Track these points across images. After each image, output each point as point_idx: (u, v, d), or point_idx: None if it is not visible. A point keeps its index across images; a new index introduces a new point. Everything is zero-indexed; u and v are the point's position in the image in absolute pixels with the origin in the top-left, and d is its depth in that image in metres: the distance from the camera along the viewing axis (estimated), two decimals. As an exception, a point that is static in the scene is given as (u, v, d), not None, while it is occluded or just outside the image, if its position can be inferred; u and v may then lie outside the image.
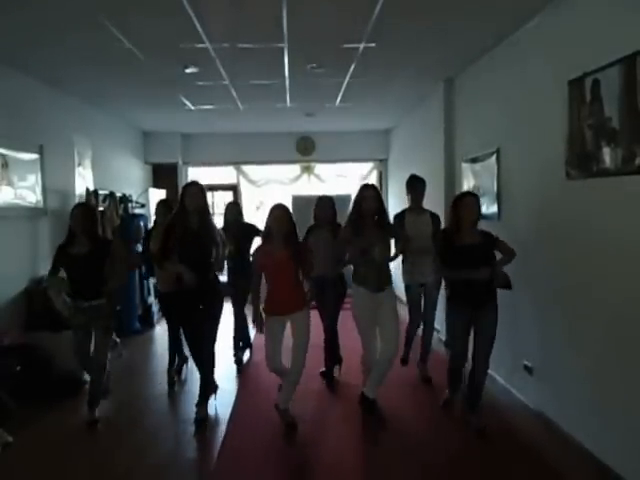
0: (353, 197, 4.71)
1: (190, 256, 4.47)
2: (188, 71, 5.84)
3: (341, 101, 7.78)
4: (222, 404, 5.06)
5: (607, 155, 3.52)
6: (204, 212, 4.62)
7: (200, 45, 4.98)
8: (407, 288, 5.60)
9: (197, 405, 4.75)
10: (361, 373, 5.18)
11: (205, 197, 4.65)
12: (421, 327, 5.67)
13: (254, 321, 4.55)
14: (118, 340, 6.81)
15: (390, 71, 6.25)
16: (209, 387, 4.87)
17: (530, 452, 3.96)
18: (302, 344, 4.43)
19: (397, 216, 5.51)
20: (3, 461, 4.00)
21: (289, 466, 3.96)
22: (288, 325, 4.47)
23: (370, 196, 4.56)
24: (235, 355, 6.44)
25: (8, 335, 5.09)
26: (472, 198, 4.41)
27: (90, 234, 4.57)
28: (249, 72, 6.14)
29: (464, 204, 4.34)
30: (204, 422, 4.65)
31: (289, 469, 3.92)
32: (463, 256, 4.28)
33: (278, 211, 4.42)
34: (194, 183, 4.71)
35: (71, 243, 4.54)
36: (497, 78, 5.40)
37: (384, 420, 4.56)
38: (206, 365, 4.81)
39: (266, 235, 4.46)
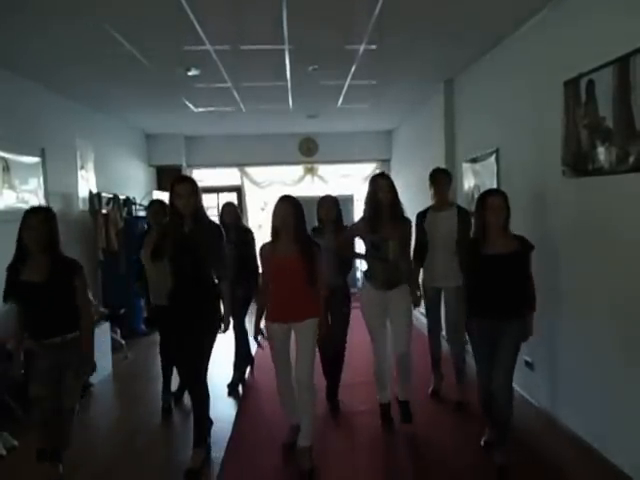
0: (365, 190, 4.43)
1: (184, 267, 3.81)
2: (190, 74, 5.86)
3: (343, 102, 7.79)
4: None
5: (602, 154, 3.55)
6: (199, 213, 3.89)
7: (202, 47, 5.00)
8: (422, 289, 4.94)
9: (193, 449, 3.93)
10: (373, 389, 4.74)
11: (199, 195, 3.91)
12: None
13: (256, 334, 4.03)
14: (123, 342, 6.86)
15: (391, 72, 6.27)
16: (203, 426, 4.01)
17: (530, 447, 3.96)
18: (308, 357, 3.84)
19: (419, 214, 5.01)
20: (8, 464, 4.04)
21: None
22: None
23: (385, 185, 4.31)
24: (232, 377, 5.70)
25: (11, 339, 5.10)
26: (499, 197, 3.67)
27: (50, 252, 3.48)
28: (251, 74, 6.17)
29: (489, 205, 3.63)
30: (197, 475, 3.76)
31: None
32: (487, 269, 3.67)
33: (283, 205, 3.82)
34: (184, 179, 4.00)
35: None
36: (496, 79, 5.42)
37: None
38: (199, 396, 3.97)
39: (273, 234, 3.86)
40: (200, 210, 3.90)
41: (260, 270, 4.16)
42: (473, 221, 4.17)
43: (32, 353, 3.57)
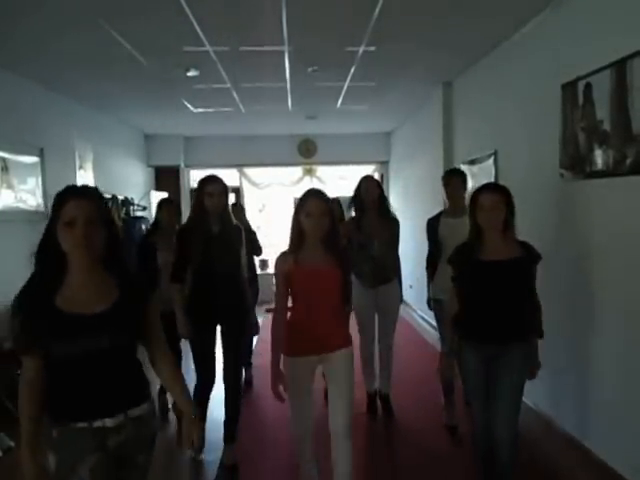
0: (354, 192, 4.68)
1: (213, 268, 3.71)
2: (190, 74, 5.87)
3: (342, 104, 7.81)
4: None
5: (599, 157, 3.56)
6: (226, 213, 3.85)
7: (201, 48, 5.01)
8: (436, 303, 4.53)
9: (224, 446, 3.99)
10: (363, 382, 4.84)
11: (228, 196, 3.86)
12: None
13: (276, 381, 3.01)
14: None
15: (390, 74, 6.28)
16: (237, 422, 3.98)
17: (525, 449, 3.95)
18: (347, 399, 3.07)
19: (430, 220, 4.64)
20: (4, 465, 4.05)
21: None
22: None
23: (371, 185, 4.57)
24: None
25: (8, 340, 5.09)
26: (492, 195, 3.04)
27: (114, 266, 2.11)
28: (250, 75, 6.17)
29: (479, 205, 3.06)
30: (236, 467, 3.87)
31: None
32: (481, 278, 3.08)
33: (315, 202, 2.94)
34: (215, 179, 3.82)
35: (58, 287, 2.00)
36: (494, 81, 5.44)
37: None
38: (236, 393, 3.97)
39: (296, 238, 3.00)
40: (227, 210, 3.89)
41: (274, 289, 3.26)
42: None
43: (59, 446, 2.03)
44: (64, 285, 1.99)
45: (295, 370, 3.00)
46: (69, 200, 1.96)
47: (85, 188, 2.07)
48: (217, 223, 3.79)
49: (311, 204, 2.92)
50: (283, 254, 3.03)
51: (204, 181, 3.82)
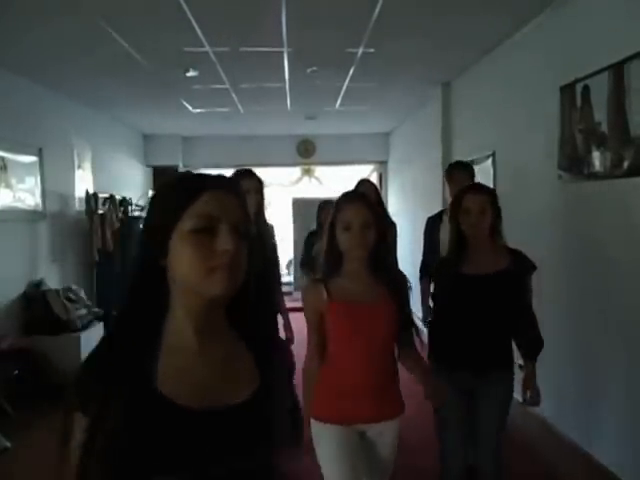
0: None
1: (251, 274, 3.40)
2: (189, 74, 5.87)
3: (341, 104, 7.81)
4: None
5: (597, 159, 3.56)
6: (262, 213, 3.44)
7: (200, 49, 5.01)
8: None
9: None
10: None
11: (264, 194, 3.44)
12: None
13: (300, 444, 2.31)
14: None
15: (389, 75, 6.29)
16: None
17: (523, 450, 3.96)
18: None
19: (430, 220, 4.36)
20: (1, 466, 4.02)
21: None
22: None
23: (369, 188, 4.46)
24: None
25: (6, 339, 5.09)
26: (479, 196, 2.70)
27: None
28: (249, 76, 6.17)
29: (465, 208, 2.67)
30: None
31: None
32: (462, 295, 2.68)
33: (353, 208, 2.24)
34: (251, 174, 3.45)
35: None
36: (493, 82, 5.45)
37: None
38: None
39: (330, 260, 2.30)
40: (263, 210, 3.51)
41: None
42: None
43: None
44: (165, 353, 1.06)
45: (333, 439, 2.22)
46: (208, 190, 1.06)
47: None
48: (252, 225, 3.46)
49: (349, 212, 2.22)
50: (312, 282, 2.38)
51: (237, 176, 3.39)
